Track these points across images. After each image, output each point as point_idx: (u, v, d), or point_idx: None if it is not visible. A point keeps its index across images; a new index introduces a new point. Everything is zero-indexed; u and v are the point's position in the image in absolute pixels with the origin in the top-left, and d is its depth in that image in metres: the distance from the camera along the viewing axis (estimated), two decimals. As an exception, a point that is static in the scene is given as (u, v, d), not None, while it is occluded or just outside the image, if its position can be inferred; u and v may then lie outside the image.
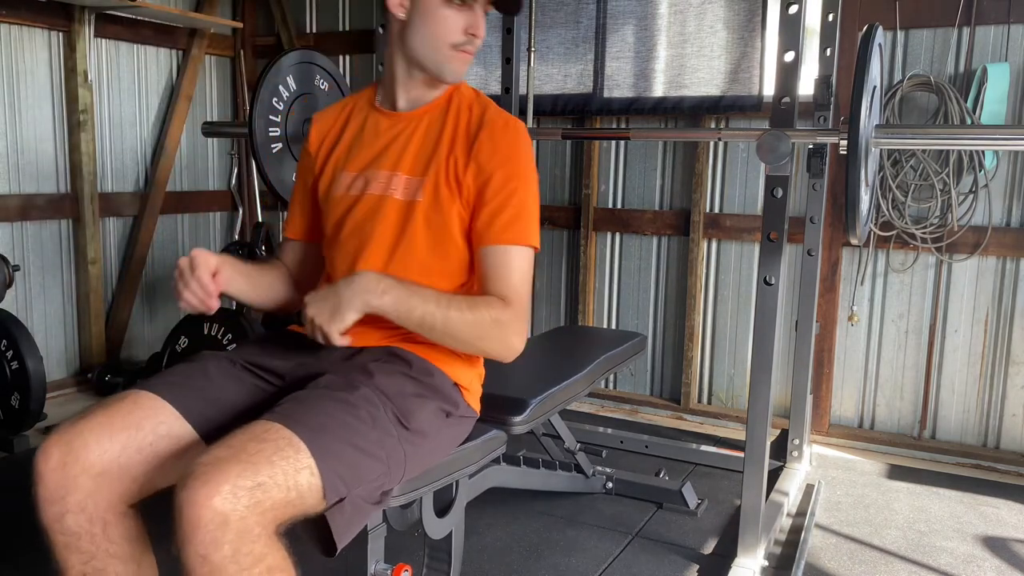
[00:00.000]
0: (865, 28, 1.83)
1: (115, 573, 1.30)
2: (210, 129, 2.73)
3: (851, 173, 1.71)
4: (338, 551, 1.24)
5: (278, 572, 1.15)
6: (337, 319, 1.37)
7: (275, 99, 2.33)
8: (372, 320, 1.44)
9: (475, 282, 1.55)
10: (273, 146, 2.31)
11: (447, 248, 1.53)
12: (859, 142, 1.67)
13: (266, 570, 1.13)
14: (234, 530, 1.10)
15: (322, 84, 2.45)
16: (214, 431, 1.33)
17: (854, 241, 1.88)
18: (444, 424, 1.48)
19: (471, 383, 1.58)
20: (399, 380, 1.43)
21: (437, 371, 1.50)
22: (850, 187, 1.72)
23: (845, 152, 1.78)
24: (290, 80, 2.33)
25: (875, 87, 1.85)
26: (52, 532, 1.30)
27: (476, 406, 1.60)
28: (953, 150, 2.81)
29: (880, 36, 1.91)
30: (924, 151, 2.85)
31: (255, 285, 1.62)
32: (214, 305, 1.47)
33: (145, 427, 1.31)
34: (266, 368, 1.49)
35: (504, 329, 1.45)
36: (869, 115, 1.75)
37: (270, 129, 2.31)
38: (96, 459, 1.27)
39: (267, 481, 1.13)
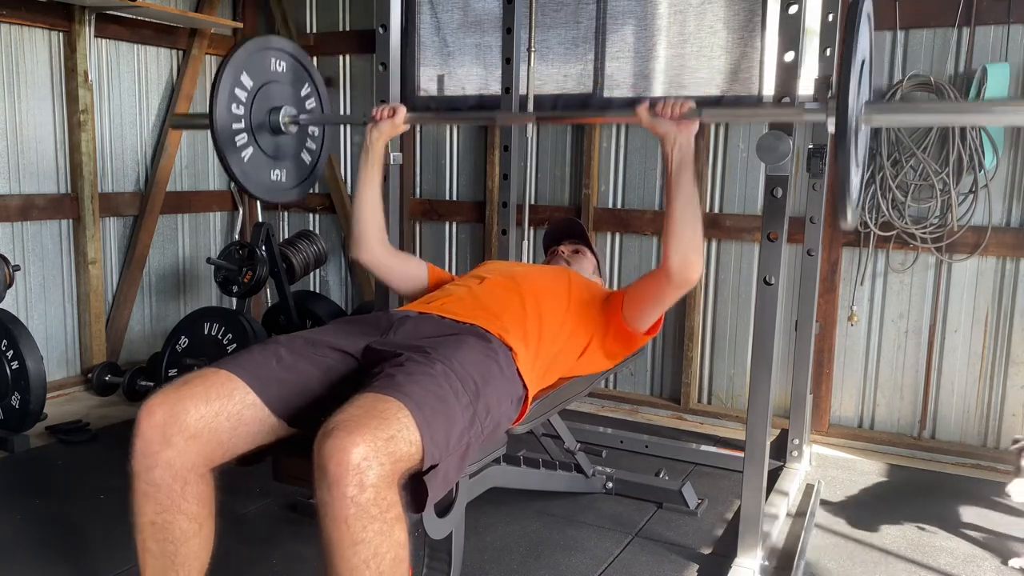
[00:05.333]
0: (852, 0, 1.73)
1: (180, 529, 1.45)
2: (178, 122, 2.70)
3: (840, 152, 1.63)
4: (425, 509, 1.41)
5: (401, 521, 1.29)
6: (686, 128, 1.81)
7: (237, 91, 2.28)
8: (461, 301, 1.88)
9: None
10: (238, 138, 2.30)
11: None
12: (848, 119, 1.59)
13: (395, 518, 1.28)
14: (376, 474, 1.24)
15: (280, 66, 2.42)
16: (284, 407, 1.54)
17: (844, 226, 1.82)
18: (506, 406, 1.66)
19: (527, 373, 1.76)
20: (474, 357, 1.61)
21: (508, 355, 1.72)
22: (840, 167, 1.64)
23: (833, 131, 1.69)
24: (245, 77, 2.30)
25: (864, 61, 1.78)
26: (138, 480, 1.44)
27: (528, 394, 1.76)
28: (951, 160, 2.81)
29: (868, 6, 1.81)
30: (924, 151, 2.85)
31: (377, 190, 2.19)
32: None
33: (235, 397, 1.49)
34: (338, 348, 1.68)
35: (701, 254, 1.86)
36: (859, 91, 1.67)
37: (234, 124, 2.28)
38: (193, 423, 1.43)
39: (396, 435, 1.29)
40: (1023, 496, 1.98)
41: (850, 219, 1.76)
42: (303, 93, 2.51)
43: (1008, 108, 1.84)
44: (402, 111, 2.18)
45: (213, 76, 2.24)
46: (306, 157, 2.56)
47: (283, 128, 2.41)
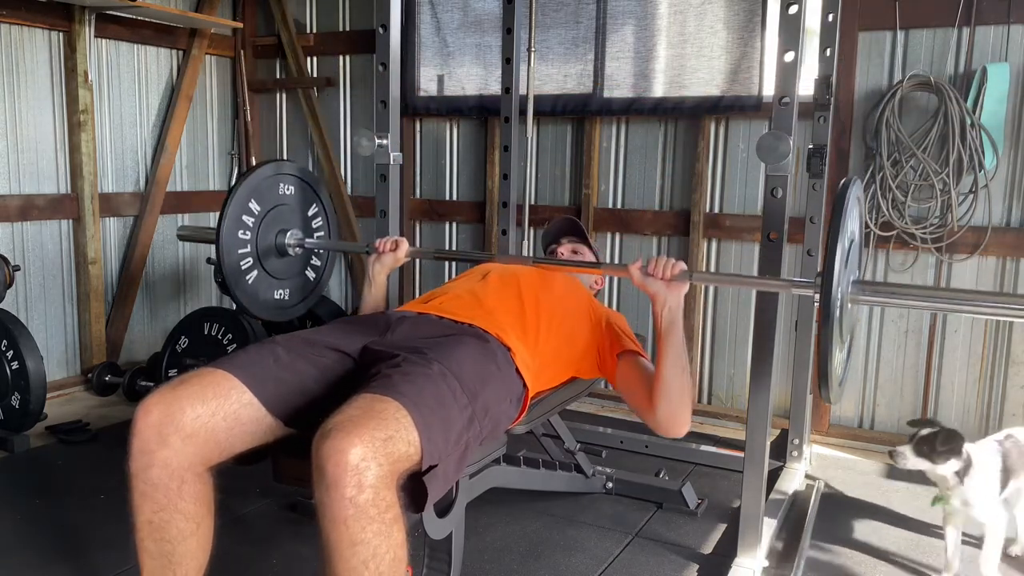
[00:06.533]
0: (842, 183, 1.73)
1: (177, 528, 1.45)
2: (186, 234, 2.77)
3: (824, 333, 1.63)
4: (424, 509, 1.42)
5: (399, 522, 1.30)
6: (676, 289, 1.83)
7: (244, 218, 2.30)
8: (458, 299, 1.89)
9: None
10: (243, 263, 2.32)
11: None
12: (832, 301, 1.59)
13: (394, 518, 1.28)
14: (374, 474, 1.24)
15: (288, 190, 2.45)
16: (281, 407, 1.54)
17: (827, 403, 1.82)
18: (505, 405, 1.67)
19: (526, 371, 1.77)
20: (472, 357, 1.62)
21: (507, 354, 1.73)
22: (822, 346, 1.64)
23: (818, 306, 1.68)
24: (253, 204, 2.32)
25: (852, 241, 1.78)
26: (135, 480, 1.44)
27: (528, 392, 1.78)
28: (951, 160, 2.81)
29: (858, 189, 1.82)
30: (924, 151, 2.85)
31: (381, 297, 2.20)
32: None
33: (232, 397, 1.49)
34: (336, 348, 1.68)
35: (689, 410, 1.87)
36: (844, 270, 1.66)
37: (240, 249, 2.31)
38: (189, 422, 1.43)
39: (394, 435, 1.30)
40: (907, 461, 2.02)
41: (832, 399, 1.77)
42: (310, 213, 2.54)
43: (998, 301, 1.80)
44: (404, 245, 2.19)
45: (222, 206, 2.26)
46: (310, 274, 2.60)
47: (289, 251, 2.45)
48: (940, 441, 1.98)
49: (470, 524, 1.95)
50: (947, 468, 1.99)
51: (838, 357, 1.77)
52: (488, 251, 3.68)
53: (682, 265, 1.84)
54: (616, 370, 2.01)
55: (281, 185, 2.43)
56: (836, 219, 1.63)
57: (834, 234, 1.61)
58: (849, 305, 1.75)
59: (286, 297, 2.51)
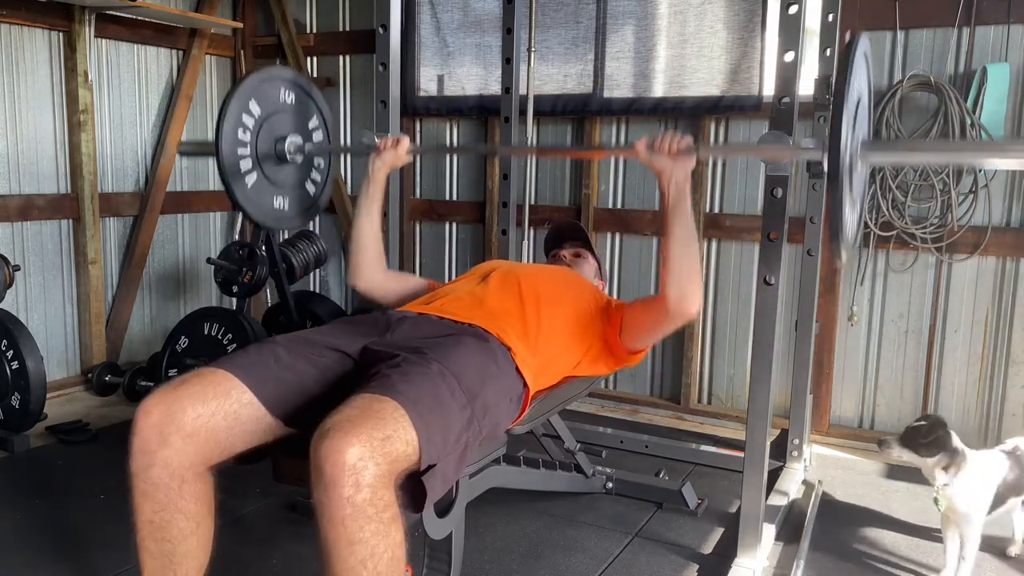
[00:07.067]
0: (848, 39, 1.74)
1: (178, 527, 1.46)
2: (186, 149, 2.73)
3: (832, 193, 1.63)
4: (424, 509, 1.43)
5: (397, 521, 1.30)
6: (683, 163, 1.83)
7: (244, 117, 2.28)
8: (460, 300, 1.90)
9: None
10: (242, 163, 2.30)
11: None
12: (840, 161, 1.59)
13: (392, 518, 1.28)
14: (372, 474, 1.25)
15: (289, 97, 2.43)
16: (281, 407, 1.55)
17: (838, 265, 1.82)
18: (505, 405, 1.67)
19: (526, 370, 1.77)
20: (471, 357, 1.62)
21: (507, 354, 1.73)
22: (833, 207, 1.64)
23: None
24: (253, 104, 2.30)
25: (860, 99, 1.77)
26: (135, 479, 1.45)
27: (529, 391, 1.78)
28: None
29: (865, 45, 1.81)
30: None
31: (376, 219, 2.21)
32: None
33: (232, 396, 1.49)
34: (336, 349, 1.68)
35: (700, 287, 1.85)
36: (853, 130, 1.66)
37: (240, 150, 2.29)
38: (190, 422, 1.43)
39: (392, 435, 1.30)
40: (893, 450, 2.03)
41: (844, 258, 1.76)
42: (311, 126, 2.52)
43: (1008, 148, 1.82)
44: (405, 142, 2.20)
45: (221, 102, 2.25)
46: (310, 188, 2.57)
47: (288, 157, 2.41)
48: (923, 432, 1.98)
49: (470, 524, 1.95)
50: (932, 461, 1.99)
51: (849, 217, 1.75)
52: (488, 248, 3.69)
53: (688, 140, 1.85)
54: (621, 329, 2.01)
55: (282, 91, 2.40)
56: (843, 75, 1.60)
57: (840, 91, 1.58)
58: (859, 164, 1.74)
59: (285, 208, 2.47)
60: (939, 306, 3.00)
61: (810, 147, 1.80)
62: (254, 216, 2.39)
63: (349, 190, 4.07)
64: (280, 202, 2.45)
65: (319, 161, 2.56)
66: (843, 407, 3.20)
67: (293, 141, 2.41)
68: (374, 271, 2.22)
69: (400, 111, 2.43)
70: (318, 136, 2.54)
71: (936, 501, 2.03)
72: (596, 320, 2.05)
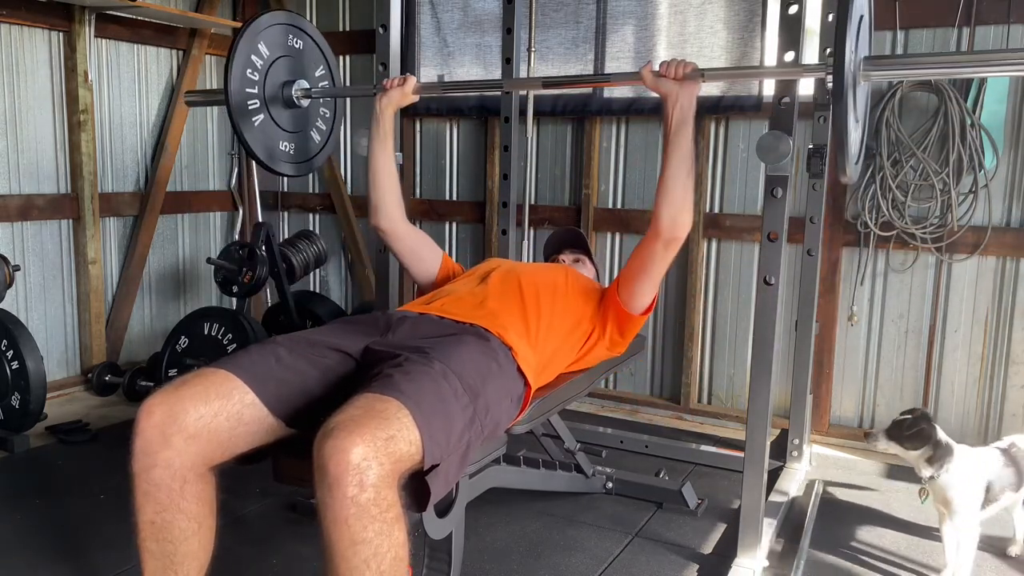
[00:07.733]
0: None
1: (179, 528, 1.46)
2: (193, 99, 2.74)
3: (837, 108, 1.65)
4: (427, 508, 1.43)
5: (400, 521, 1.30)
6: (689, 87, 1.85)
7: (253, 58, 2.30)
8: (463, 300, 1.92)
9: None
10: (250, 103, 2.32)
11: None
12: (845, 78, 1.60)
13: (395, 518, 1.28)
14: (376, 474, 1.25)
15: (297, 43, 2.45)
16: (283, 407, 1.55)
17: (843, 180, 1.82)
18: (506, 404, 1.67)
19: (528, 369, 1.77)
20: (473, 356, 1.63)
21: (508, 353, 1.73)
22: (837, 122, 1.67)
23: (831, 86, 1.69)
24: (262, 46, 2.32)
25: (861, 18, 1.77)
26: (137, 480, 1.45)
27: (530, 390, 1.78)
28: (951, 160, 2.81)
29: None
30: (924, 151, 2.85)
31: (391, 155, 2.22)
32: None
33: (234, 397, 1.49)
34: (337, 349, 1.68)
35: (691, 214, 1.91)
36: (856, 46, 1.68)
37: (248, 88, 2.31)
38: (192, 423, 1.43)
39: (396, 435, 1.30)
40: (879, 442, 2.05)
41: (849, 174, 1.77)
42: (317, 74, 2.54)
43: (1008, 57, 1.82)
44: (411, 80, 2.20)
45: (230, 45, 2.27)
46: (315, 136, 2.59)
47: (295, 101, 2.43)
48: (907, 425, 1.99)
49: (470, 524, 1.95)
50: (916, 454, 1.99)
51: (854, 134, 1.77)
52: (488, 248, 3.69)
53: (693, 64, 1.87)
54: (619, 289, 2.03)
55: (291, 37, 2.43)
56: None
57: (843, 8, 1.60)
58: (862, 81, 1.76)
59: (290, 151, 2.50)
60: (939, 306, 3.00)
61: (814, 67, 1.82)
62: (260, 155, 2.41)
63: (349, 190, 4.07)
64: (286, 146, 2.48)
65: (324, 111, 2.59)
66: (843, 407, 3.20)
67: (300, 85, 2.43)
68: (395, 209, 2.21)
69: (400, 111, 2.43)
70: (325, 84, 2.57)
71: (920, 493, 2.04)
72: (595, 303, 2.06)
